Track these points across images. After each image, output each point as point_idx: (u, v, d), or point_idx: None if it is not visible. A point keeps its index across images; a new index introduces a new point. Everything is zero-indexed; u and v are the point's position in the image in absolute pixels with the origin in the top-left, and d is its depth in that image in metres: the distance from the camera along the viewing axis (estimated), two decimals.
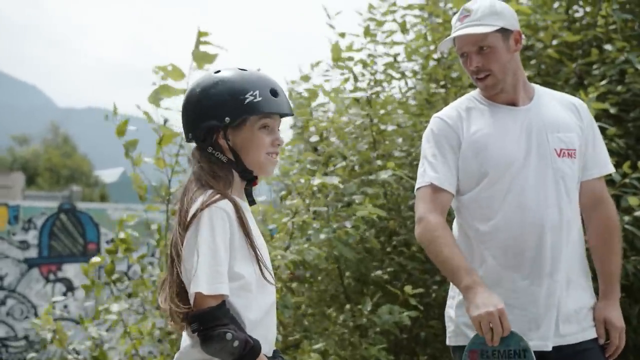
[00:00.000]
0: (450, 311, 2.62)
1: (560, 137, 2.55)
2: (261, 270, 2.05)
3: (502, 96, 2.59)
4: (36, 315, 8.98)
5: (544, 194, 2.49)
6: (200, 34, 3.85)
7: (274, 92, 2.09)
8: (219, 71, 2.12)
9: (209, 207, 1.98)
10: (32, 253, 9.31)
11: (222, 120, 2.05)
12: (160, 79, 3.94)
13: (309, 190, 4.04)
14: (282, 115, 2.15)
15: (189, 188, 2.08)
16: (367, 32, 4.71)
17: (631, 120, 4.22)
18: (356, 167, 4.48)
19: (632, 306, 3.84)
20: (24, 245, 9.29)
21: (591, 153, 2.63)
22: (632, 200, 3.66)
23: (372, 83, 4.78)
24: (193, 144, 2.16)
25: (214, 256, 1.96)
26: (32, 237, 9.34)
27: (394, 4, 4.77)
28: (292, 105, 2.93)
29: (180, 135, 4.02)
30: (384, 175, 3.95)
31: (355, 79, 4.73)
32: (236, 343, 1.92)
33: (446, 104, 3.51)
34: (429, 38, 4.76)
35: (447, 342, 2.63)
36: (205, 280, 1.94)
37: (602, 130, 2.73)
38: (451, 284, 2.59)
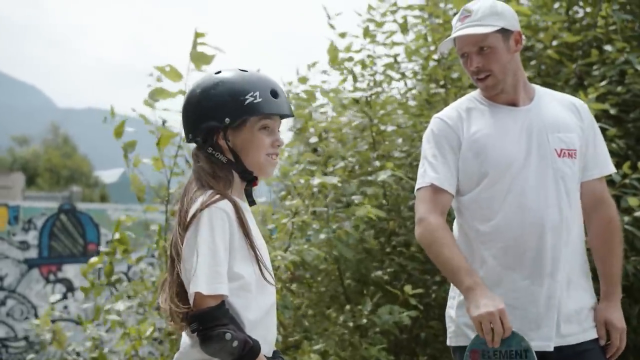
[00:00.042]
0: (450, 311, 2.62)
1: (560, 138, 2.54)
2: (261, 270, 2.05)
3: (502, 96, 2.59)
4: (36, 315, 8.98)
5: (544, 194, 2.49)
6: (197, 35, 3.85)
7: (274, 93, 2.09)
8: (219, 72, 2.12)
9: (209, 208, 1.98)
10: (32, 253, 9.32)
11: (222, 121, 2.05)
12: (155, 81, 3.95)
13: (309, 190, 4.04)
14: (283, 117, 2.15)
15: (189, 188, 2.08)
16: (366, 32, 4.71)
17: (631, 120, 4.22)
18: (356, 168, 4.48)
19: (632, 306, 3.84)
20: (24, 245, 9.29)
21: (592, 153, 2.63)
22: (632, 201, 3.66)
23: (371, 84, 4.78)
24: (193, 145, 2.16)
25: (214, 256, 1.96)
26: (32, 237, 9.34)
27: (395, 4, 4.77)
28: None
29: (178, 135, 4.03)
30: (383, 175, 3.95)
31: (355, 79, 4.73)
32: (235, 343, 1.92)
33: (446, 104, 3.51)
34: (429, 39, 4.76)
35: (448, 343, 2.63)
36: (204, 280, 1.94)
37: (602, 131, 2.73)
38: (452, 284, 2.59)
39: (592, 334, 2.53)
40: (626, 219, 3.69)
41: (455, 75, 4.57)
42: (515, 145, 2.52)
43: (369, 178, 4.18)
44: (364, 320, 3.89)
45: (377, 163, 4.31)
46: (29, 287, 9.25)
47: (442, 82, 4.61)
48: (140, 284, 4.38)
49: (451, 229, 2.61)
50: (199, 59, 3.84)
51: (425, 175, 2.56)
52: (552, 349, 2.45)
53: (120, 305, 4.15)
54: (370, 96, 4.56)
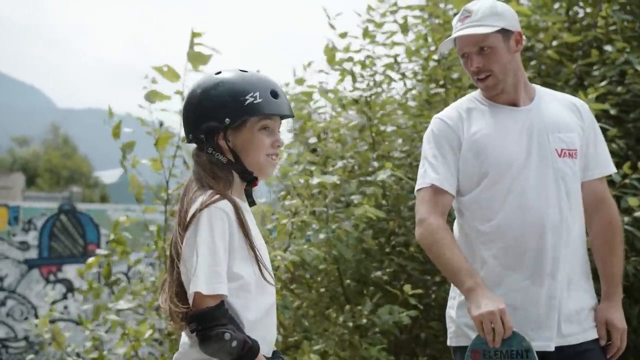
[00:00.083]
0: (451, 312, 2.62)
1: (561, 137, 2.54)
2: (261, 271, 2.05)
3: (502, 97, 2.59)
4: (36, 316, 8.99)
5: (544, 194, 2.49)
6: (194, 35, 3.86)
7: (274, 94, 2.09)
8: (219, 72, 2.12)
9: (208, 208, 1.99)
10: (32, 254, 9.32)
11: (222, 121, 2.05)
12: (150, 83, 3.97)
13: (308, 190, 4.04)
14: (283, 117, 2.15)
15: (189, 188, 2.08)
16: (365, 33, 4.71)
17: (631, 121, 4.21)
18: (355, 168, 4.48)
19: (632, 307, 3.84)
20: (24, 246, 9.29)
21: (592, 153, 2.62)
22: (632, 201, 3.66)
23: (371, 84, 4.77)
24: (192, 145, 2.16)
25: (213, 256, 1.96)
26: (32, 238, 9.34)
27: (395, 4, 4.77)
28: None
29: (177, 136, 4.04)
30: (382, 175, 3.95)
31: (354, 80, 4.73)
32: (234, 343, 1.92)
33: (446, 104, 3.51)
34: (429, 39, 4.76)
35: (448, 343, 2.63)
36: (204, 280, 1.95)
37: (603, 131, 2.73)
38: (452, 285, 2.59)
39: (592, 334, 2.53)
40: (626, 219, 3.69)
41: (455, 75, 4.57)
42: (516, 145, 2.52)
43: (369, 178, 4.18)
44: (364, 321, 3.89)
45: (376, 164, 4.31)
46: (29, 288, 9.25)
47: (442, 83, 4.61)
48: (139, 284, 4.38)
49: (451, 229, 2.61)
50: (196, 58, 3.85)
51: (426, 176, 2.56)
52: (552, 349, 2.45)
53: (122, 304, 4.15)
54: (370, 96, 4.56)
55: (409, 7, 4.79)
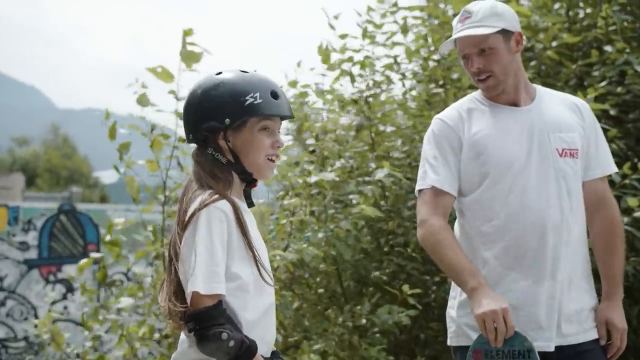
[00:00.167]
0: (451, 311, 2.62)
1: (562, 137, 2.54)
2: (259, 271, 2.05)
3: (503, 97, 2.59)
4: (36, 316, 8.99)
5: (545, 194, 2.49)
6: (186, 33, 3.88)
7: (275, 94, 2.09)
8: (220, 73, 2.12)
9: (207, 207, 1.99)
10: (32, 254, 9.32)
11: (222, 121, 2.06)
12: (140, 87, 4.00)
13: (307, 190, 4.05)
14: (283, 118, 2.15)
15: (189, 188, 2.09)
16: (365, 33, 4.71)
17: (631, 121, 4.22)
18: (354, 167, 4.48)
19: (632, 307, 3.84)
20: (23, 246, 9.29)
21: (594, 153, 2.62)
22: (632, 201, 3.66)
23: (370, 84, 4.77)
24: (191, 145, 2.16)
25: (211, 256, 1.97)
26: (32, 238, 9.34)
27: (395, 5, 4.77)
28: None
29: (172, 137, 4.06)
30: (380, 174, 3.95)
31: (353, 80, 4.73)
32: (232, 343, 1.92)
33: (445, 105, 3.51)
34: (429, 39, 4.76)
35: (448, 343, 2.63)
36: (202, 279, 1.95)
37: (602, 131, 2.73)
38: (452, 284, 2.59)
39: (592, 334, 2.53)
40: (625, 219, 3.69)
41: (454, 75, 4.58)
42: (517, 145, 2.52)
43: (367, 178, 4.18)
44: (363, 321, 3.89)
45: (373, 165, 4.30)
46: (28, 288, 9.25)
47: (441, 83, 4.61)
48: (135, 286, 4.38)
49: (452, 229, 2.61)
50: (189, 57, 3.88)
51: (426, 177, 2.56)
52: (552, 349, 2.45)
53: (124, 301, 4.16)
54: (369, 97, 4.55)
55: (409, 8, 4.79)
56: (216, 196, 2.01)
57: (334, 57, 4.69)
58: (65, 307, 9.25)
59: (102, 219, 9.71)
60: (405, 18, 4.78)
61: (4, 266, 9.15)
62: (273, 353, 2.13)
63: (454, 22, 2.62)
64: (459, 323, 2.56)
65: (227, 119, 2.05)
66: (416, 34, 4.89)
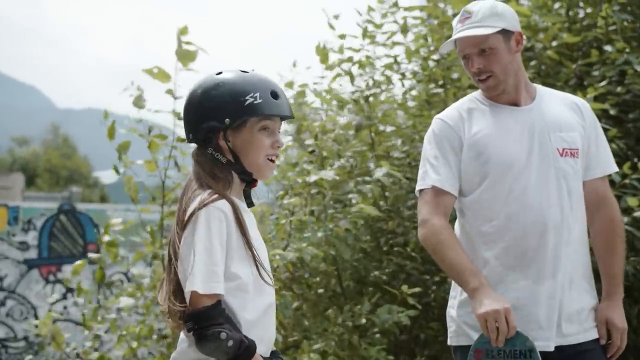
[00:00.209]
0: (452, 311, 2.62)
1: (562, 137, 2.54)
2: (259, 271, 2.05)
3: (504, 97, 2.59)
4: (36, 316, 8.99)
5: (546, 194, 2.49)
6: (181, 32, 3.89)
7: (275, 94, 2.09)
8: (220, 73, 2.12)
9: (207, 207, 1.99)
10: (32, 254, 9.32)
11: (222, 121, 2.06)
12: (136, 90, 4.01)
13: (307, 190, 4.04)
14: (283, 118, 2.15)
15: (189, 188, 2.09)
16: (364, 33, 4.71)
17: (631, 121, 4.22)
18: (354, 167, 4.48)
19: (632, 307, 3.84)
20: (23, 246, 9.29)
21: (594, 152, 2.62)
22: (632, 201, 3.66)
23: (370, 84, 4.78)
24: (186, 146, 2.17)
25: (210, 256, 1.97)
26: (31, 238, 9.34)
27: (395, 5, 4.77)
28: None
29: (170, 137, 4.07)
30: (379, 173, 3.95)
31: (352, 80, 4.73)
32: (230, 343, 1.92)
33: (445, 105, 3.51)
34: (429, 39, 4.76)
35: (449, 342, 2.63)
36: (200, 279, 1.95)
37: (603, 131, 2.73)
38: (453, 283, 2.60)
39: (593, 334, 2.53)
40: (625, 219, 3.68)
41: (454, 75, 4.57)
42: (517, 145, 2.52)
43: (366, 178, 4.18)
44: (363, 320, 3.89)
45: (372, 165, 4.30)
46: (28, 288, 9.25)
47: (441, 83, 4.61)
48: (136, 286, 4.39)
49: (453, 229, 2.61)
50: (185, 56, 3.89)
51: (427, 177, 2.56)
52: (552, 349, 2.45)
53: (123, 301, 4.16)
54: (368, 96, 4.55)
55: (409, 8, 4.79)
56: (215, 196, 2.01)
57: (333, 57, 4.69)
58: (65, 307, 9.25)
59: (102, 219, 9.71)
60: (405, 18, 4.78)
61: (4, 266, 9.15)
62: (272, 353, 2.12)
63: (454, 22, 2.62)
64: (459, 322, 2.56)
65: (227, 119, 2.05)
66: (416, 34, 4.89)
